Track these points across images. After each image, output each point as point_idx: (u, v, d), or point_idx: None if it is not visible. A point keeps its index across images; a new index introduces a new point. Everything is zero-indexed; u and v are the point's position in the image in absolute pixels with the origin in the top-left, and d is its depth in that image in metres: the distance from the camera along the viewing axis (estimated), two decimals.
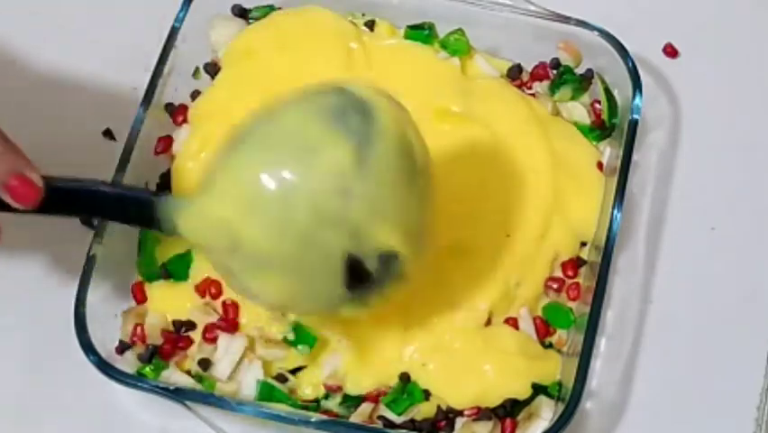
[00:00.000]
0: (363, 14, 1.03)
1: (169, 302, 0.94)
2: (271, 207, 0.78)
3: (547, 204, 0.95)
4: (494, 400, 0.89)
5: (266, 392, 0.89)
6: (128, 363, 0.91)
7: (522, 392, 0.90)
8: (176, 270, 0.95)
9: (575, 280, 0.94)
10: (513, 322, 0.92)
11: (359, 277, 0.80)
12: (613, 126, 0.99)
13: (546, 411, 0.89)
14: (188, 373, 0.91)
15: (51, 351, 0.95)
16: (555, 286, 0.94)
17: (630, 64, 0.98)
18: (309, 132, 0.78)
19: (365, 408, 0.89)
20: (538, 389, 0.90)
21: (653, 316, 0.97)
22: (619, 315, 0.96)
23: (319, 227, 0.77)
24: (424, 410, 0.90)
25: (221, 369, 0.90)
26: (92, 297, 0.90)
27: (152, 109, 0.97)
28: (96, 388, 0.92)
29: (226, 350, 0.90)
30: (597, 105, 1.01)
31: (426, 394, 0.90)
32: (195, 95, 1.01)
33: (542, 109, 1.00)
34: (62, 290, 0.91)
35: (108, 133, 1.03)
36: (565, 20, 1.00)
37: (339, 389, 0.90)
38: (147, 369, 0.91)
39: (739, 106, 1.05)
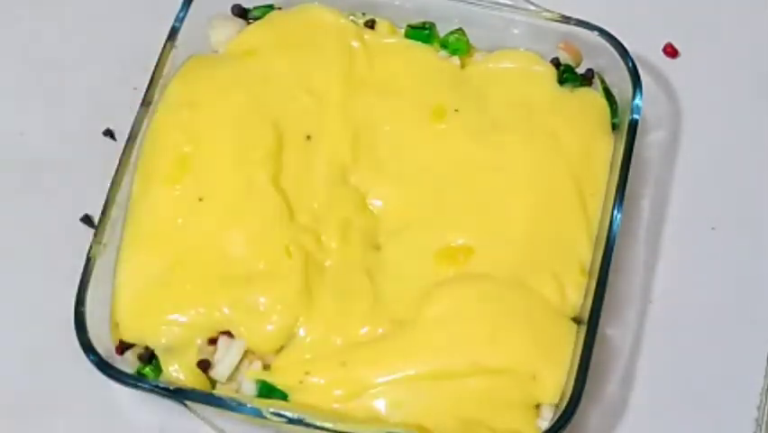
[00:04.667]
0: (364, 14, 1.03)
1: None
2: None
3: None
4: None
5: (266, 392, 0.89)
6: (128, 364, 0.91)
7: None
8: None
9: None
10: None
11: None
12: (613, 126, 0.99)
13: (546, 411, 0.89)
14: None
15: (51, 351, 0.95)
16: None
17: (630, 64, 0.98)
18: None
19: None
20: None
21: (653, 316, 0.97)
22: (619, 315, 0.96)
23: None
24: None
25: (220, 370, 0.90)
26: (92, 297, 0.90)
27: (152, 109, 0.97)
28: (96, 388, 0.92)
29: (226, 352, 0.90)
30: None
31: None
32: None
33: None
34: (62, 290, 0.91)
35: (108, 133, 1.03)
36: (565, 20, 1.00)
37: None
38: (147, 369, 0.91)
39: (739, 106, 1.05)
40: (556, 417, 0.87)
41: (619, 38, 0.99)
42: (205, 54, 1.01)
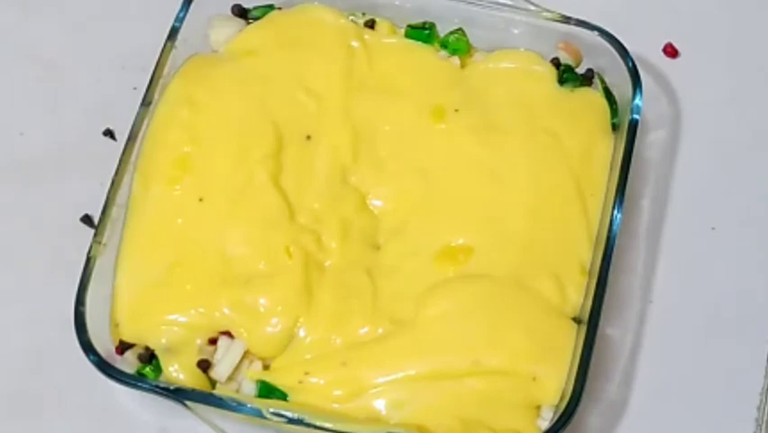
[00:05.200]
0: (364, 14, 1.03)
1: None
2: None
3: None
4: None
5: (266, 392, 0.89)
6: (128, 364, 0.91)
7: None
8: None
9: None
10: None
11: None
12: (613, 126, 0.99)
13: (546, 411, 0.89)
14: None
15: (51, 351, 0.95)
16: None
17: (630, 64, 0.98)
18: None
19: None
20: None
21: (653, 316, 0.97)
22: (619, 315, 0.96)
23: None
24: None
25: (220, 370, 0.90)
26: (92, 297, 0.90)
27: (152, 109, 0.97)
28: (96, 388, 0.92)
29: (226, 352, 0.90)
30: None
31: None
32: None
33: None
34: (62, 290, 0.91)
35: (108, 133, 1.03)
36: (565, 20, 1.00)
37: None
38: (147, 369, 0.91)
39: (739, 106, 1.05)
40: (556, 417, 0.87)
41: (619, 38, 0.99)
42: (205, 54, 1.01)
